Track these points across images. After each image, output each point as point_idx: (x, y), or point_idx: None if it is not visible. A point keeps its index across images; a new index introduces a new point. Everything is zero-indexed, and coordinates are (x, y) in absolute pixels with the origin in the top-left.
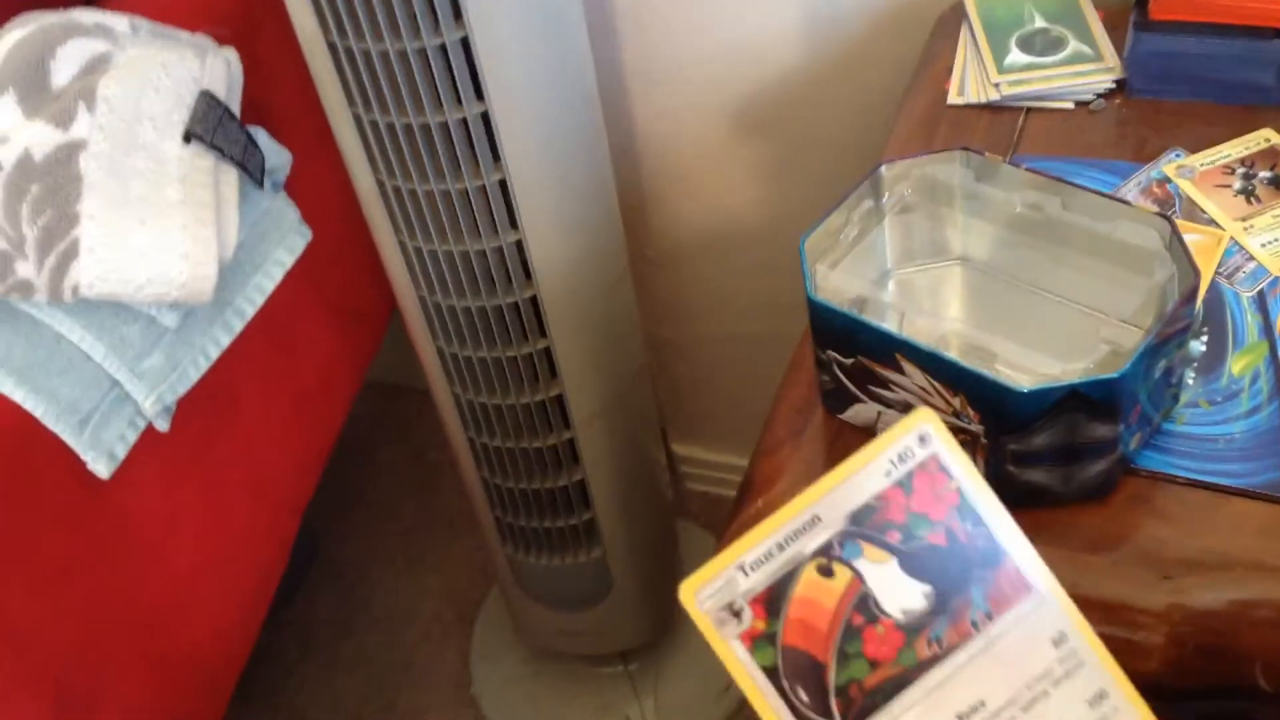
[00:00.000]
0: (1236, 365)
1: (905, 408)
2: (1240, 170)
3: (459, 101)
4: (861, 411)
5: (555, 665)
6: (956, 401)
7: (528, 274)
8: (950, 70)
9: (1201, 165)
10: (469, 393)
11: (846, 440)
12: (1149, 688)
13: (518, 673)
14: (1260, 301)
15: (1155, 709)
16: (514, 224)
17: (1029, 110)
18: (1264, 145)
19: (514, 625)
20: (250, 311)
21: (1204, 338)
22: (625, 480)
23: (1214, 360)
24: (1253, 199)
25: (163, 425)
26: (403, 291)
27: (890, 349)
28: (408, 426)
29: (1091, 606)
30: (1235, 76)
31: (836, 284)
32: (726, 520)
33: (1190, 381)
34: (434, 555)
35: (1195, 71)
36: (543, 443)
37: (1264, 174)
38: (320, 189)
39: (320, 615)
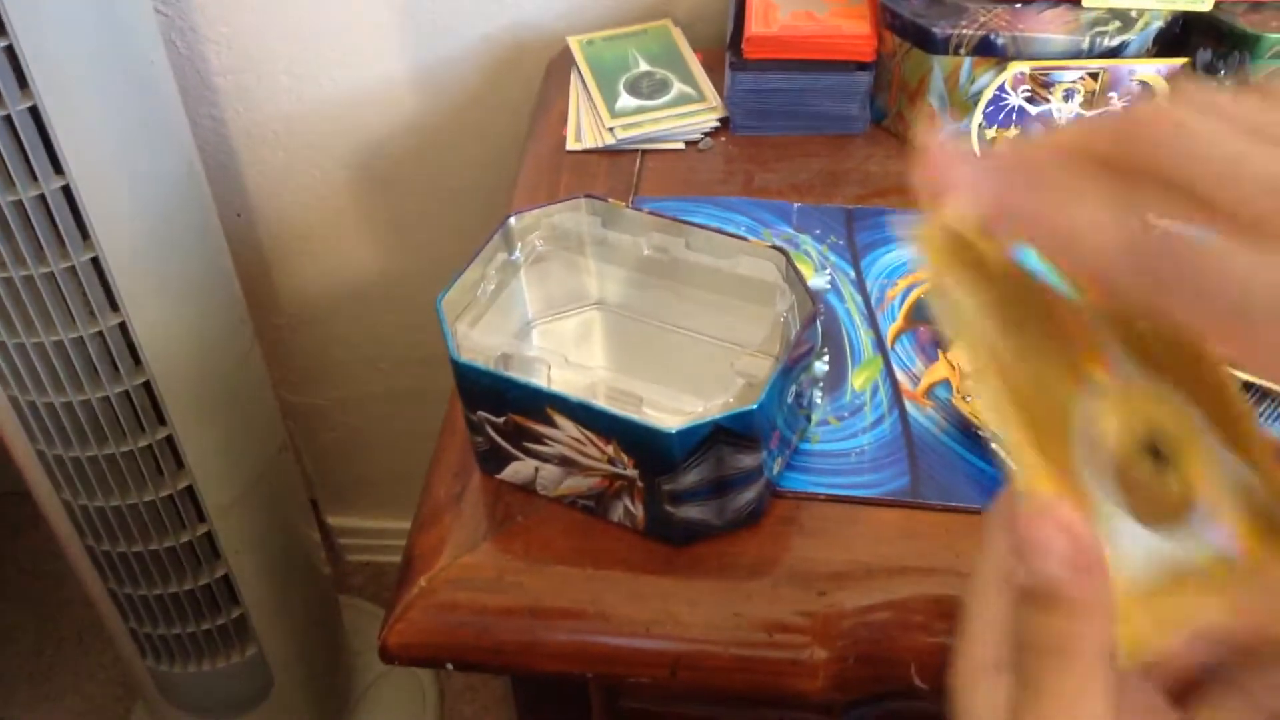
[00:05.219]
0: (857, 380)
1: (562, 461)
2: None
3: (34, 177)
4: (520, 469)
5: None
6: (610, 448)
7: (136, 359)
8: (566, 116)
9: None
10: (81, 497)
11: (508, 501)
12: (818, 705)
13: None
14: (870, 318)
15: None
16: (114, 305)
17: (644, 152)
18: None
19: None
20: None
21: (825, 357)
22: (275, 567)
23: (837, 378)
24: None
25: None
26: None
27: (540, 404)
28: (16, 536)
29: (757, 629)
30: (824, 108)
31: (479, 341)
32: (390, 603)
33: (819, 400)
34: (65, 675)
35: (789, 106)
36: (175, 541)
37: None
38: None
39: None
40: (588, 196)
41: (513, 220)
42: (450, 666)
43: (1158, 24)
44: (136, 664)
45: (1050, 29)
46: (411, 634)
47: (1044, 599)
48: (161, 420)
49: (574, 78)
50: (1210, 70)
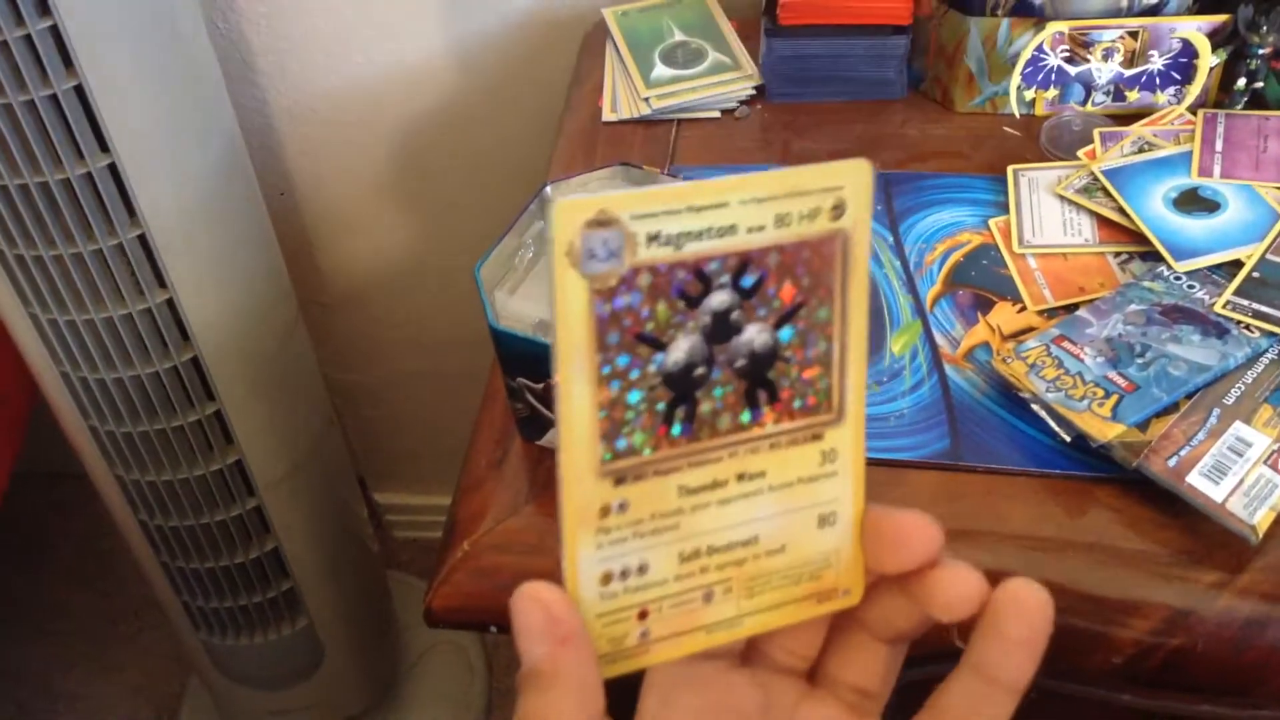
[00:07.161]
0: (896, 345)
1: None
2: None
3: (80, 155)
4: None
5: None
6: None
7: (184, 335)
8: (602, 88)
9: None
10: (133, 472)
11: (549, 466)
12: None
13: None
14: (909, 283)
15: None
16: (161, 282)
17: (680, 121)
18: None
19: (220, 714)
20: None
21: None
22: (324, 541)
23: (876, 343)
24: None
25: None
26: (41, 369)
27: None
28: (72, 515)
29: None
30: (861, 74)
31: (518, 309)
32: (434, 567)
33: None
34: (121, 650)
35: (825, 72)
36: (226, 515)
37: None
38: None
39: None
40: (622, 164)
41: (549, 189)
42: (494, 629)
43: None
44: (190, 637)
45: None
46: (455, 597)
47: (529, 677)
48: (210, 396)
49: (609, 49)
50: (1252, 27)
